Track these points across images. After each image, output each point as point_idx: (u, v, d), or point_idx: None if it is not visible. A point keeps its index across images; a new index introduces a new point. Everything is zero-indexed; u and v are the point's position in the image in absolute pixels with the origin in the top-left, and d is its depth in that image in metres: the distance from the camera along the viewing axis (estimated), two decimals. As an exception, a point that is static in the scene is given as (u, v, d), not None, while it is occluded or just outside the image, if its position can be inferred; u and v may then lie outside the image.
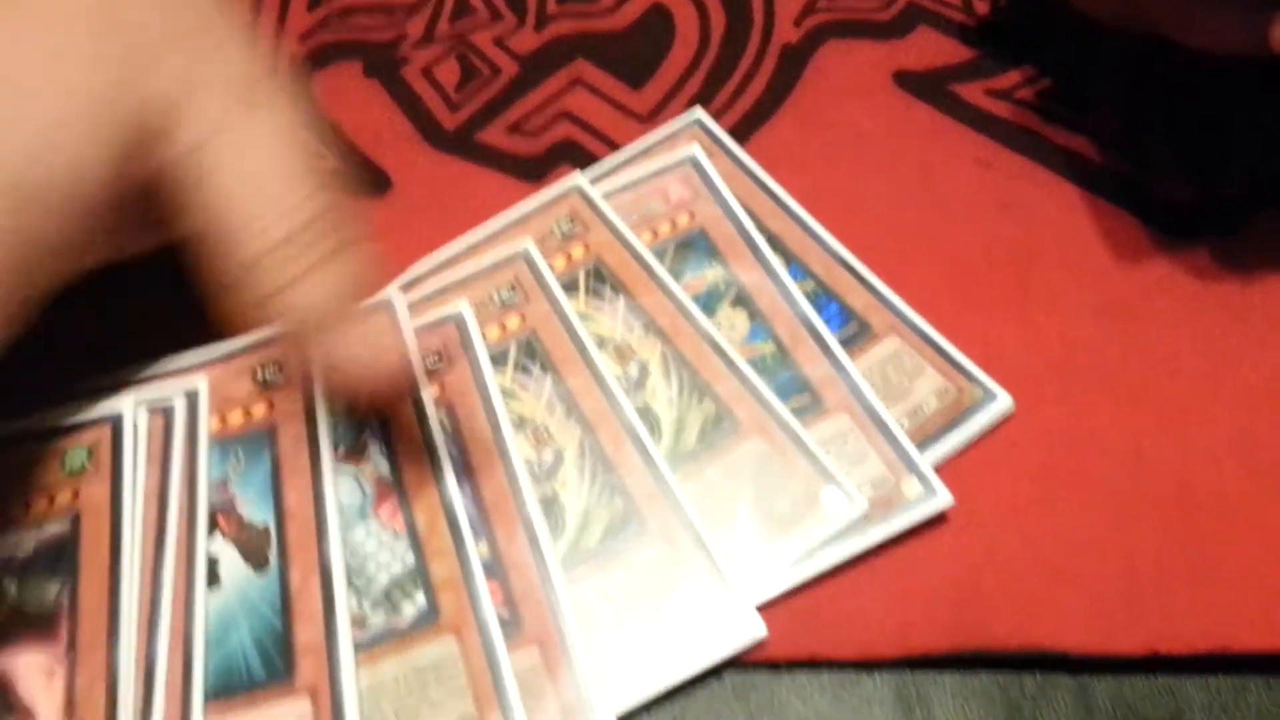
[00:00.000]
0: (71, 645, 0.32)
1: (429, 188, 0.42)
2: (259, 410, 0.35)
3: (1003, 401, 0.37)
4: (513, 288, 0.38)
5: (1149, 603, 0.34)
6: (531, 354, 0.37)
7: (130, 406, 0.35)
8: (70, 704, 0.31)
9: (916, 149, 0.43)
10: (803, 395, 0.37)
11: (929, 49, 0.45)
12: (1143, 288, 0.40)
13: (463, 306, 0.38)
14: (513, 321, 0.38)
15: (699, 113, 0.43)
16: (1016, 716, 0.33)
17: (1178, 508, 0.36)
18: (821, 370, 0.37)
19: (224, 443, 0.35)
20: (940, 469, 0.36)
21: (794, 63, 0.45)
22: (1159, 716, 0.33)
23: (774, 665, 0.34)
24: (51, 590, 0.32)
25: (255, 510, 0.34)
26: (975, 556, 0.35)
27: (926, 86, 0.44)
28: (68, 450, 0.35)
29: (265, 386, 0.36)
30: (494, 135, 0.44)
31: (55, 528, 0.33)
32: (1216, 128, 0.43)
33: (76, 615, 0.32)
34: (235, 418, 0.35)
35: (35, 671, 0.31)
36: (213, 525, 0.34)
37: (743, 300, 0.38)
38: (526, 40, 0.46)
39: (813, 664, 0.34)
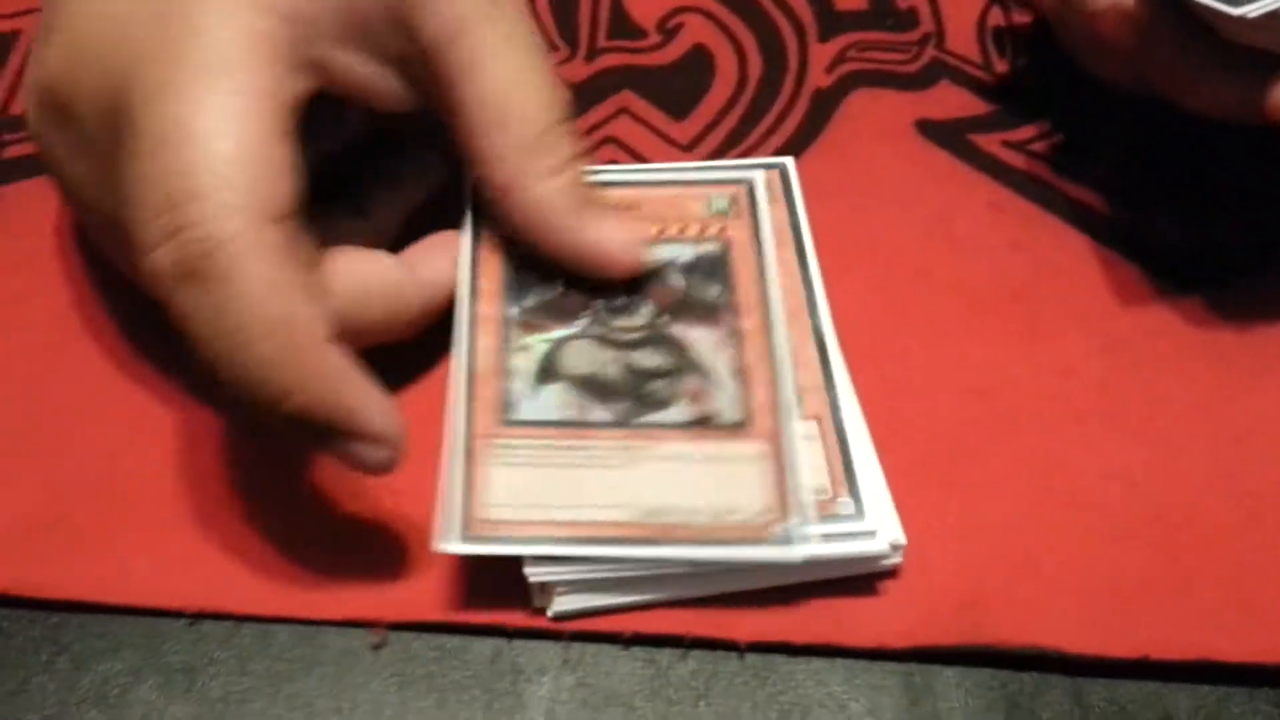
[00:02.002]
0: (733, 330, 0.38)
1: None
2: (713, 228, 0.41)
3: (874, 543, 0.35)
4: (730, 201, 0.41)
5: (1140, 612, 0.35)
6: (713, 268, 0.40)
7: (760, 177, 0.42)
8: (742, 369, 0.37)
9: (935, 192, 0.44)
10: (736, 411, 0.37)
11: (950, 101, 0.47)
12: (1140, 330, 0.41)
13: (757, 175, 0.42)
14: (714, 227, 0.40)
15: (789, 161, 0.43)
16: (1015, 710, 0.34)
17: (1167, 530, 0.37)
18: (814, 378, 0.38)
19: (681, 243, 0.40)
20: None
21: (824, 106, 0.47)
22: (1148, 718, 0.34)
23: (792, 649, 0.35)
24: (713, 291, 0.39)
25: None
26: (979, 562, 0.36)
27: (946, 135, 0.46)
28: (712, 196, 0.41)
29: (716, 213, 0.41)
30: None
31: (709, 247, 0.40)
32: (1215, 184, 0.44)
33: (736, 311, 0.38)
34: (692, 228, 0.41)
35: (708, 343, 0.38)
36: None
37: (732, 308, 0.39)
38: (578, 70, 0.48)
39: (828, 651, 0.35)
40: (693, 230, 0.40)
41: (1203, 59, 0.38)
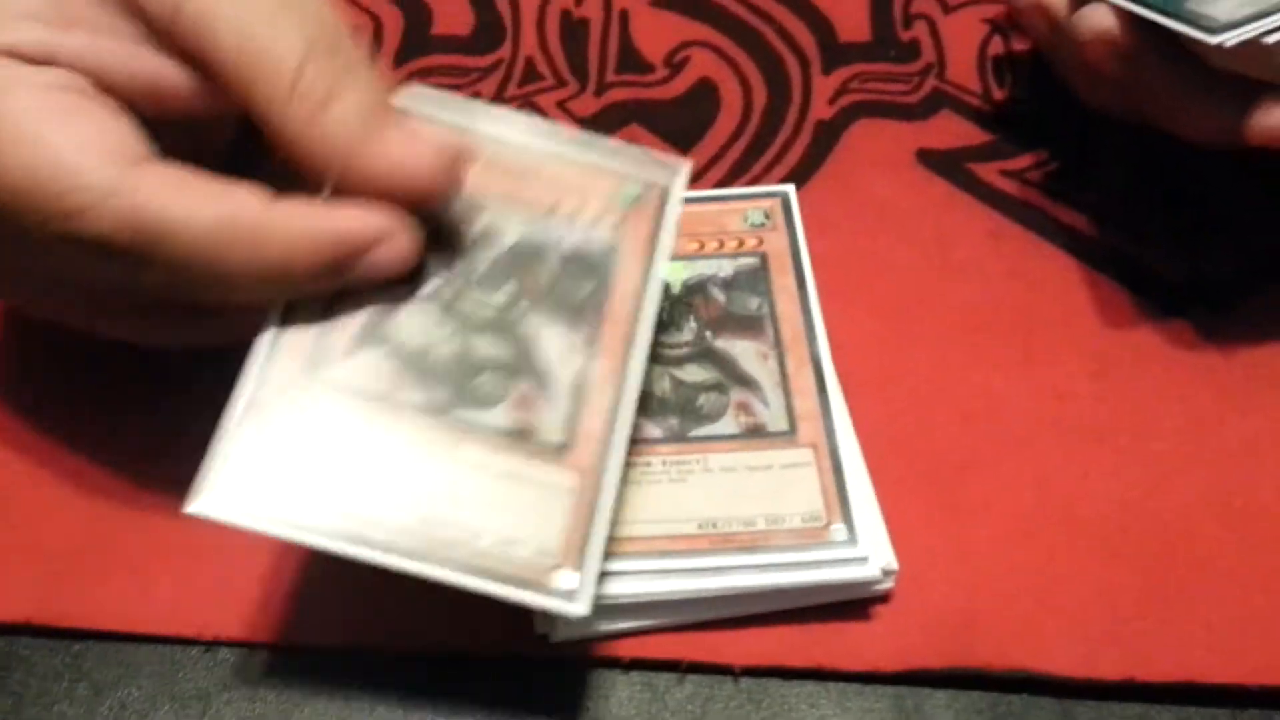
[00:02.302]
0: (777, 341, 0.39)
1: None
2: (751, 242, 0.42)
3: (866, 569, 0.35)
4: (766, 215, 0.43)
5: (1128, 634, 0.36)
6: (753, 280, 0.41)
7: (792, 191, 0.43)
8: (784, 376, 0.38)
9: (934, 219, 0.45)
10: (783, 420, 0.38)
11: (950, 131, 0.47)
12: (1134, 354, 0.41)
13: (789, 189, 0.44)
14: (751, 241, 0.42)
15: (791, 190, 0.44)
16: (1003, 731, 0.35)
17: (1157, 552, 0.37)
18: (809, 404, 0.38)
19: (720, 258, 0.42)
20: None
21: (827, 137, 0.48)
22: (1133, 738, 0.35)
23: (786, 673, 0.35)
24: (754, 302, 0.40)
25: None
26: (971, 586, 0.37)
27: (946, 164, 0.46)
28: (748, 210, 0.43)
29: (754, 227, 0.42)
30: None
31: (748, 260, 0.41)
32: (1206, 210, 0.45)
33: (776, 321, 0.40)
34: (730, 242, 0.42)
35: (752, 354, 0.39)
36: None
37: (772, 319, 0.40)
38: (587, 104, 0.49)
39: (821, 674, 0.35)
40: (731, 245, 0.42)
41: (1189, 85, 0.39)
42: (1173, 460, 0.39)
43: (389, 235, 0.32)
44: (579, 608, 0.30)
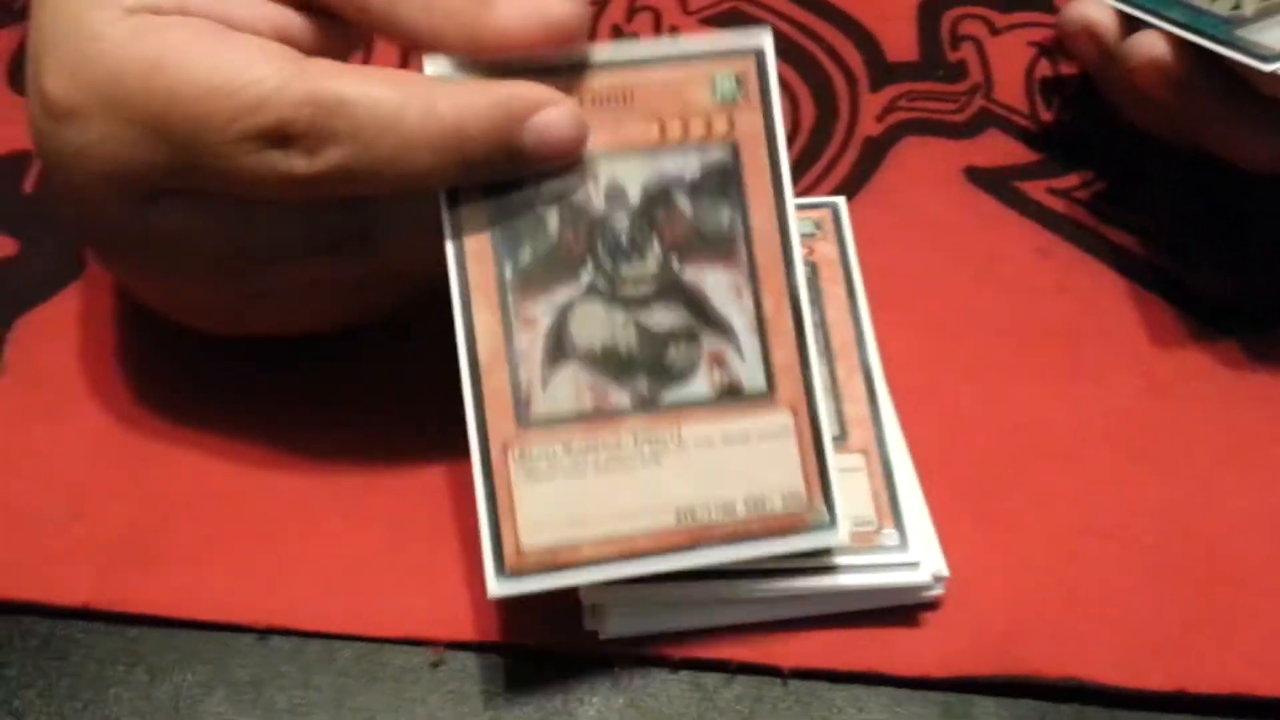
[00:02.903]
0: (753, 270, 0.34)
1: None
2: (720, 125, 0.34)
3: (917, 574, 0.35)
4: (738, 82, 0.35)
5: (1176, 646, 0.35)
6: (724, 182, 0.34)
7: (769, 40, 0.34)
8: (835, 383, 0.37)
9: (982, 236, 0.45)
10: (834, 425, 0.38)
11: (998, 149, 0.48)
12: (1180, 372, 0.41)
13: (840, 200, 0.41)
14: (720, 123, 0.34)
15: (841, 201, 0.43)
16: (1052, 739, 0.35)
17: (1204, 567, 0.37)
18: (860, 410, 0.38)
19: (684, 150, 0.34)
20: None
21: (875, 153, 0.48)
22: (1183, 750, 0.34)
23: (834, 676, 0.35)
24: (724, 214, 0.34)
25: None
26: (1019, 595, 0.36)
27: (994, 182, 0.46)
28: (717, 76, 0.34)
29: (724, 102, 0.34)
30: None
31: (717, 154, 0.34)
32: (1254, 231, 0.45)
33: (751, 240, 0.34)
34: (697, 127, 0.34)
35: (724, 288, 0.34)
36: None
37: (823, 327, 0.40)
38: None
39: (869, 678, 0.35)
40: (697, 129, 0.34)
41: (1240, 112, 0.39)
42: (1219, 478, 0.39)
43: (552, 99, 0.32)
44: (839, 535, 0.33)
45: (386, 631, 0.36)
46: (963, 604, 0.36)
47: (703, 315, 0.34)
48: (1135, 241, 0.45)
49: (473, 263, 0.33)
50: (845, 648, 0.35)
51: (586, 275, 0.33)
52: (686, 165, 0.34)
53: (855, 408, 0.38)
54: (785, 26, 0.52)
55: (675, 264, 0.34)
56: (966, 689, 0.35)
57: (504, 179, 0.33)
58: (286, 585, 0.36)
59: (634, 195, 0.34)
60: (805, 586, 0.35)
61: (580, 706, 0.35)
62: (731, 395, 0.33)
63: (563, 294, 0.33)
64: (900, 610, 0.36)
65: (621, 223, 0.33)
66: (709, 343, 0.34)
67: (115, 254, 0.37)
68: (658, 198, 0.34)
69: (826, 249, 0.42)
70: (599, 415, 0.33)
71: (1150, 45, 0.40)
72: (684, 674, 0.36)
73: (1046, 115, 0.49)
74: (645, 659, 0.36)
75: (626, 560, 0.33)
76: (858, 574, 0.35)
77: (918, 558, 0.35)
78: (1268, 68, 0.36)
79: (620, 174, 0.34)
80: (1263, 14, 0.39)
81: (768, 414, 0.34)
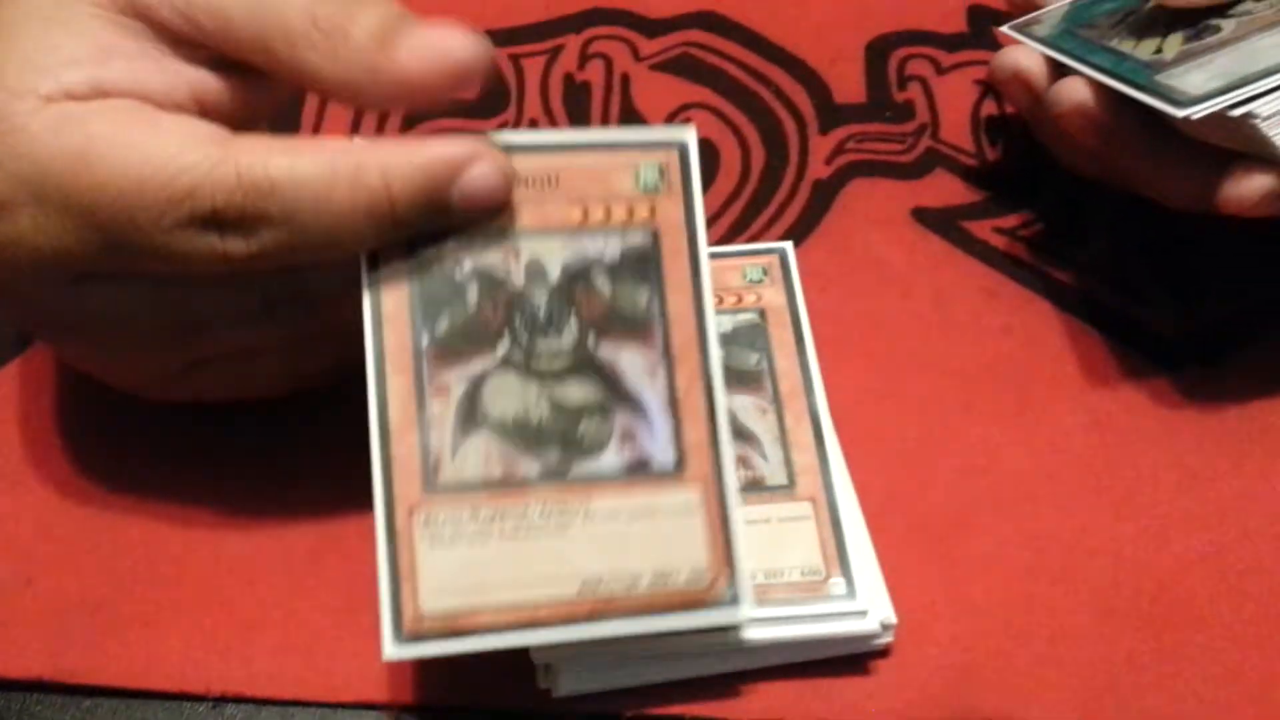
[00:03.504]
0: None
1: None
2: (642, 211, 0.35)
3: (865, 623, 0.35)
4: (764, 271, 0.40)
5: (1125, 688, 0.36)
6: (642, 265, 0.35)
7: (692, 136, 0.35)
8: (783, 431, 0.37)
9: (930, 276, 0.45)
10: (781, 474, 0.38)
11: (944, 189, 0.48)
12: (1126, 409, 0.41)
13: (787, 246, 0.42)
14: (642, 210, 0.35)
15: (788, 246, 0.44)
16: (1002, 785, 0.35)
17: (1153, 606, 0.37)
18: (808, 458, 0.38)
19: (606, 233, 0.34)
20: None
21: (824, 196, 0.48)
22: (1130, 791, 0.34)
23: (788, 728, 0.35)
24: (642, 296, 0.34)
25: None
26: (969, 639, 0.37)
27: (941, 222, 0.47)
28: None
29: (646, 190, 0.35)
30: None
31: (638, 238, 0.35)
32: (1196, 267, 0.45)
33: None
34: (619, 211, 0.35)
35: (639, 367, 0.34)
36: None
37: (771, 374, 0.40)
38: (588, 165, 0.49)
39: (822, 729, 0.35)
40: (619, 214, 0.35)
41: (1163, 154, 0.40)
42: (1168, 514, 0.39)
43: (478, 154, 0.33)
44: (744, 610, 0.33)
45: (341, 696, 0.36)
46: (913, 650, 0.36)
47: (616, 391, 0.34)
48: (1080, 279, 0.45)
49: (390, 327, 0.33)
50: (797, 699, 0.36)
51: (502, 348, 0.33)
52: (607, 247, 0.34)
53: (803, 455, 0.38)
54: (735, 70, 0.52)
55: (591, 341, 0.34)
56: (919, 736, 0.35)
57: (430, 232, 0.33)
58: (240, 652, 0.36)
59: (554, 273, 0.34)
60: (754, 638, 0.35)
61: (534, 765, 0.35)
62: (641, 470, 0.33)
63: (477, 364, 0.33)
64: (851, 659, 0.36)
65: (540, 299, 0.34)
66: (621, 419, 0.34)
67: (52, 333, 0.37)
68: (577, 277, 0.34)
69: (774, 295, 0.42)
70: (507, 484, 0.33)
71: (1074, 91, 0.40)
72: (638, 729, 0.36)
73: (992, 154, 0.49)
74: (599, 716, 0.36)
75: (525, 629, 0.32)
76: (806, 624, 0.35)
77: (865, 606, 0.36)
78: (1181, 113, 0.37)
79: (542, 252, 0.34)
80: (1182, 58, 0.39)
81: (676, 490, 0.34)
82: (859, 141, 0.50)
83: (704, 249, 0.34)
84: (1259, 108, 0.37)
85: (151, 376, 0.37)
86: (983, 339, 0.43)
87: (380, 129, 0.50)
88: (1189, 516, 0.39)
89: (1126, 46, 0.41)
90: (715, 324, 0.34)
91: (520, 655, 0.35)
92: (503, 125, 0.50)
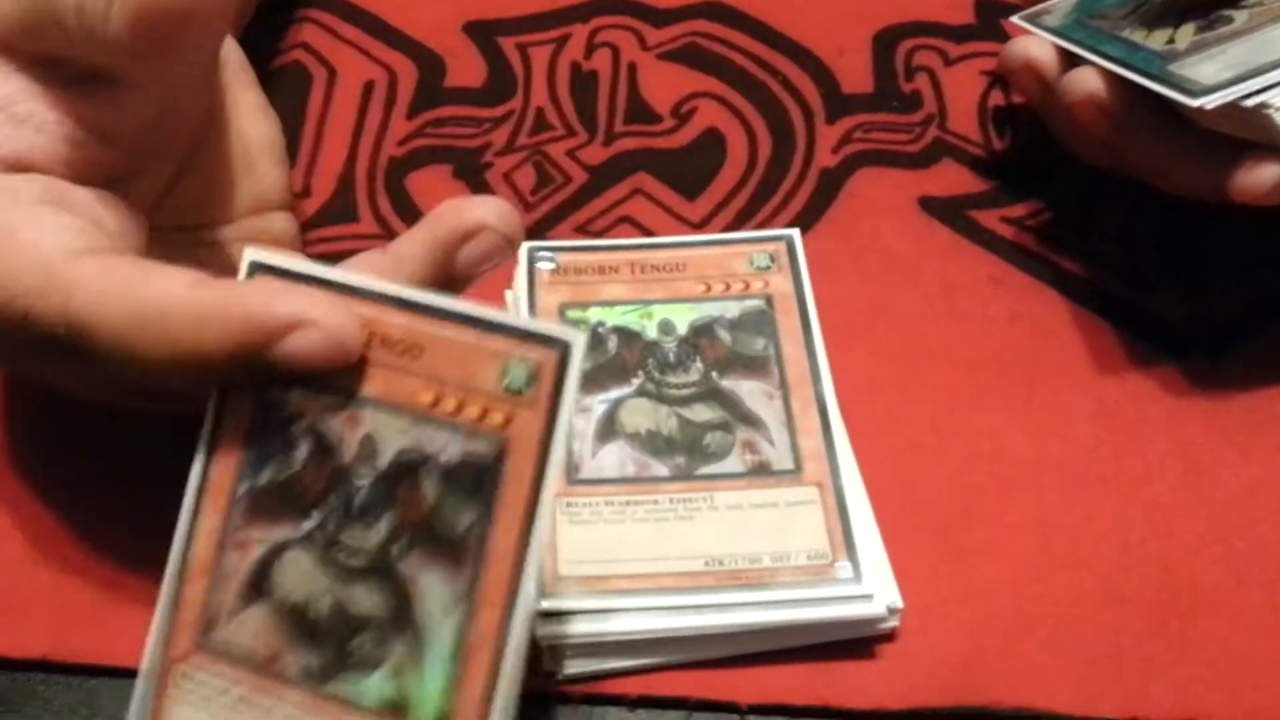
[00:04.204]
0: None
1: (504, 273, 0.44)
2: (497, 417, 0.30)
3: (871, 606, 0.35)
4: (771, 258, 0.43)
5: (1130, 673, 0.35)
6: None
7: (580, 342, 0.29)
8: (790, 416, 0.39)
9: (937, 266, 0.45)
10: (788, 459, 0.38)
11: (951, 179, 0.48)
12: (1134, 397, 0.41)
13: (794, 233, 0.44)
14: (497, 415, 0.30)
15: (795, 234, 0.44)
16: (1008, 769, 0.35)
17: (1159, 593, 0.37)
18: (814, 443, 0.38)
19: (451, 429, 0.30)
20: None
21: (831, 185, 0.48)
22: (1136, 776, 0.34)
23: (792, 711, 0.35)
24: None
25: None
26: (975, 624, 0.37)
27: (948, 211, 0.47)
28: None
29: (510, 391, 0.30)
30: (563, 233, 0.46)
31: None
32: (1204, 257, 0.45)
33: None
34: (473, 409, 0.30)
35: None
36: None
37: (778, 360, 0.40)
38: (595, 153, 0.49)
39: (826, 712, 0.35)
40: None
41: (1175, 144, 0.40)
42: (1173, 502, 0.39)
43: (305, 321, 0.30)
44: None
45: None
46: (918, 635, 0.36)
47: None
48: (1087, 268, 0.45)
49: (219, 463, 0.31)
50: (802, 682, 0.35)
51: (309, 523, 0.31)
52: (447, 448, 0.30)
53: (809, 441, 0.38)
54: (742, 60, 0.52)
55: (396, 550, 0.30)
56: (923, 719, 0.35)
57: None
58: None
59: (385, 459, 0.30)
60: (760, 621, 0.35)
61: (538, 747, 0.35)
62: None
63: (282, 531, 0.31)
64: (856, 643, 0.36)
65: (362, 481, 0.31)
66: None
67: None
68: (405, 471, 0.30)
69: (780, 282, 0.42)
70: (266, 672, 0.30)
71: (1086, 81, 0.40)
72: (642, 712, 0.36)
73: (999, 144, 0.49)
74: (603, 698, 0.36)
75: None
76: (812, 607, 0.35)
77: (872, 590, 0.35)
78: (1195, 103, 0.37)
79: (382, 430, 0.31)
80: (1195, 48, 0.39)
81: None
82: (866, 131, 0.50)
83: (551, 479, 0.29)
84: (1272, 98, 0.37)
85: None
86: (990, 328, 0.43)
87: (384, 124, 0.50)
88: (1195, 504, 0.39)
89: (1138, 37, 0.41)
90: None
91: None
92: (509, 113, 0.50)
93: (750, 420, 0.39)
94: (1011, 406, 0.41)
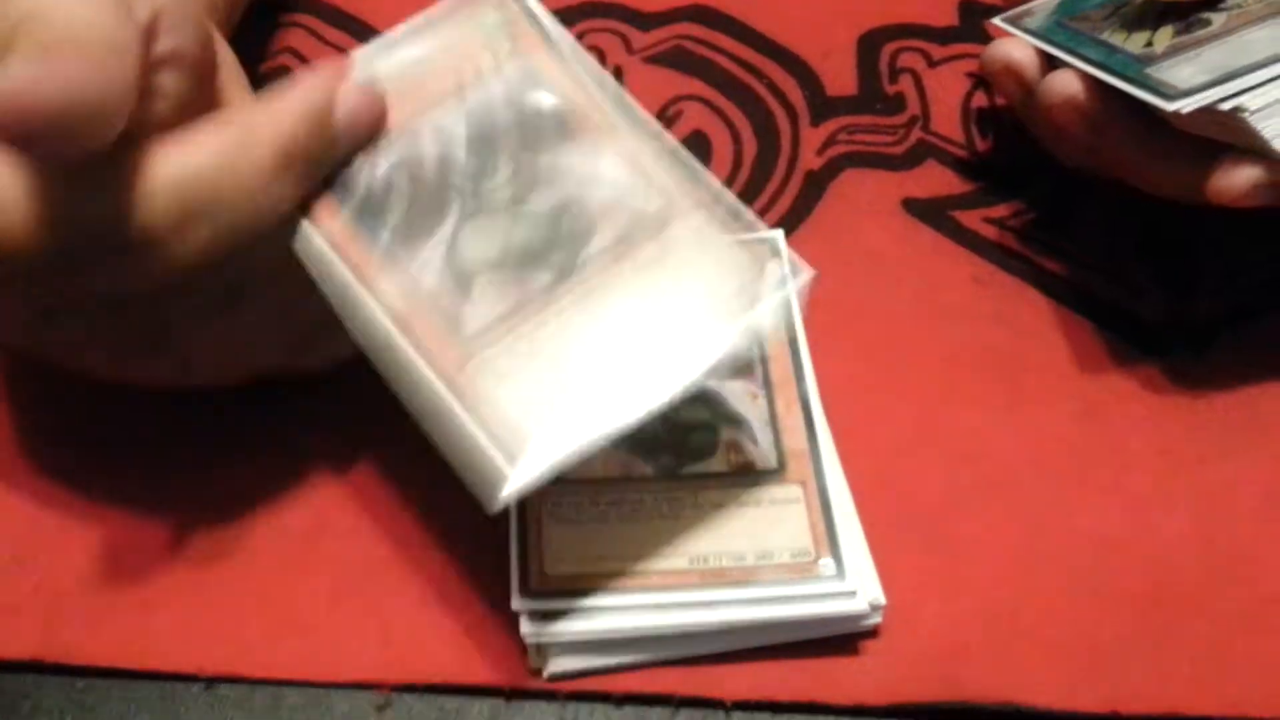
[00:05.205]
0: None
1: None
2: (502, 54, 0.36)
3: (854, 603, 0.36)
4: (501, 20, 0.38)
5: (1111, 667, 0.36)
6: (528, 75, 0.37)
7: (780, 235, 0.42)
8: (774, 416, 0.39)
9: (920, 266, 0.46)
10: (772, 458, 0.39)
11: (935, 180, 0.48)
12: (1115, 395, 0.42)
13: (778, 234, 0.43)
14: (503, 53, 0.37)
15: (779, 235, 0.43)
16: (990, 763, 0.35)
17: (1139, 589, 0.38)
18: (798, 442, 0.39)
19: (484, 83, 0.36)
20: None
21: (816, 187, 0.48)
22: (1117, 769, 0.35)
23: (777, 707, 0.36)
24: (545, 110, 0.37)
25: None
26: (957, 621, 0.37)
27: (931, 212, 0.47)
28: (479, 19, 0.38)
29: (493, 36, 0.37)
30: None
31: (513, 71, 0.37)
32: (1185, 257, 0.45)
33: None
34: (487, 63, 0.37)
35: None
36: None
37: (762, 360, 0.41)
38: (581, 156, 0.49)
39: (810, 708, 0.36)
40: (488, 64, 0.38)
41: (1152, 146, 0.40)
42: (1154, 500, 0.40)
43: (337, 77, 0.34)
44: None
45: (332, 676, 0.36)
46: (901, 631, 0.37)
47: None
48: (1069, 267, 0.45)
49: (350, 249, 0.34)
50: (786, 679, 0.36)
51: (455, 203, 0.35)
52: (492, 90, 0.36)
53: (793, 440, 0.39)
54: (727, 63, 0.53)
55: (528, 174, 0.35)
56: (907, 715, 0.36)
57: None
58: (232, 633, 0.37)
59: (460, 130, 0.35)
60: (745, 618, 0.36)
61: (525, 744, 0.35)
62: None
63: (445, 228, 0.34)
64: (840, 640, 0.37)
65: (460, 153, 0.35)
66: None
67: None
68: (483, 123, 0.35)
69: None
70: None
71: (1066, 84, 0.41)
72: (628, 709, 0.36)
73: (982, 145, 0.49)
74: (589, 695, 0.36)
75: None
76: (796, 604, 0.36)
77: (855, 586, 0.36)
78: (1170, 106, 0.37)
79: (441, 122, 0.36)
80: (1172, 51, 0.40)
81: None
82: (850, 133, 0.50)
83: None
84: (1248, 101, 0.37)
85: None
86: (973, 327, 0.44)
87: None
88: (1176, 501, 0.40)
89: (1117, 39, 0.41)
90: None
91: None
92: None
93: (734, 420, 0.39)
94: (994, 405, 0.42)
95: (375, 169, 0.35)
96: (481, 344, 0.33)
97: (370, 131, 0.35)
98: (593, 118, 0.35)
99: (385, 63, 0.36)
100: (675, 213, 0.34)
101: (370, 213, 0.34)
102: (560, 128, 0.35)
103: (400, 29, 0.36)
